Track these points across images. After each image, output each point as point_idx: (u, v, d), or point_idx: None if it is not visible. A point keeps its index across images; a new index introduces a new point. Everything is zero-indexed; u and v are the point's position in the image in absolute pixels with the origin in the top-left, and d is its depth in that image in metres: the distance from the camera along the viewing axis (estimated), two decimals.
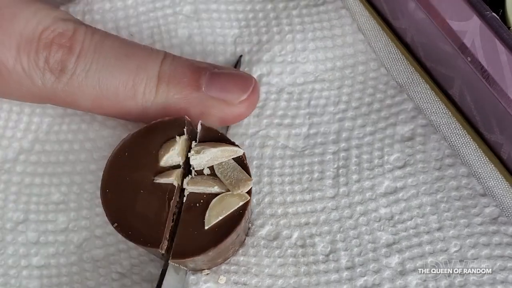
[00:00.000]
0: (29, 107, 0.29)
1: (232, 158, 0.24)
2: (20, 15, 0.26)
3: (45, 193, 0.28)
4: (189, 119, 0.25)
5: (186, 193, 0.24)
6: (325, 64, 0.30)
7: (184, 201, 0.24)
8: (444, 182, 0.27)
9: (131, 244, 0.27)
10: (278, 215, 0.27)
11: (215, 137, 0.25)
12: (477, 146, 0.27)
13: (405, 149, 0.27)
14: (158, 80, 0.26)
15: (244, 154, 0.24)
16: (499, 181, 0.26)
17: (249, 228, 0.27)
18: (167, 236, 0.23)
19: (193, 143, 0.24)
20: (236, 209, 0.23)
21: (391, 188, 0.27)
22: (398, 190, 0.27)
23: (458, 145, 0.27)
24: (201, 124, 0.25)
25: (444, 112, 0.28)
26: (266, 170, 0.28)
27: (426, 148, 0.27)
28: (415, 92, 0.28)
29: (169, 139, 0.24)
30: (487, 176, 0.26)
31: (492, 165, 0.26)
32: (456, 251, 0.25)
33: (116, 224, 0.23)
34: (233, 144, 0.24)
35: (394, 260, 0.26)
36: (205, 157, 0.24)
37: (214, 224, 0.23)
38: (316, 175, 0.28)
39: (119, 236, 0.27)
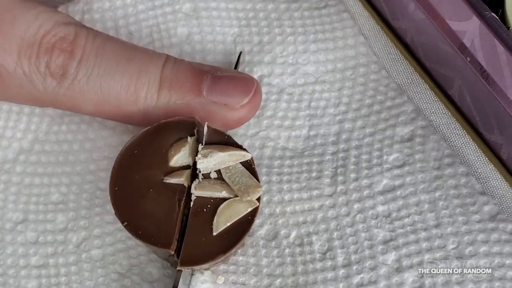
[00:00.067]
0: (29, 107, 0.29)
1: (240, 162, 0.24)
2: (21, 19, 0.25)
3: (44, 193, 0.28)
4: (199, 120, 0.25)
5: (193, 197, 0.24)
6: (326, 65, 0.30)
7: (191, 206, 0.23)
8: (443, 181, 0.27)
9: (130, 244, 0.27)
10: (276, 214, 0.27)
11: (222, 139, 0.24)
12: (476, 146, 0.27)
13: (404, 150, 0.27)
14: (160, 85, 0.26)
15: (252, 158, 0.24)
16: (499, 181, 0.26)
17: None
18: (177, 238, 0.23)
19: (200, 146, 0.24)
20: (244, 215, 0.23)
21: (389, 186, 0.27)
22: (396, 188, 0.27)
23: (458, 145, 0.27)
24: (207, 126, 0.25)
25: (444, 112, 0.28)
26: (265, 170, 0.28)
27: (425, 148, 0.27)
28: (414, 92, 0.28)
29: (179, 139, 0.24)
30: (486, 176, 0.26)
31: (492, 165, 0.26)
32: (453, 248, 0.25)
33: (126, 223, 0.23)
34: (241, 147, 0.24)
35: (391, 257, 0.26)
36: (212, 161, 0.24)
37: (222, 230, 0.23)
38: (314, 174, 0.28)
39: (118, 236, 0.27)
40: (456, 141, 0.27)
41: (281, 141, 0.28)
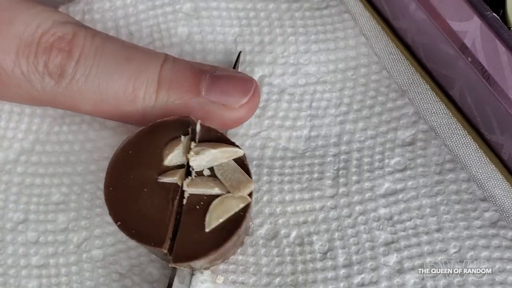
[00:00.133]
0: (30, 108, 0.29)
1: (233, 159, 0.24)
2: (19, 18, 0.25)
3: (45, 194, 0.28)
4: (194, 119, 0.25)
5: (186, 195, 0.24)
6: (327, 66, 0.30)
7: (184, 203, 0.23)
8: (444, 186, 0.27)
9: (131, 244, 0.27)
10: (276, 214, 0.27)
11: (215, 137, 0.24)
12: (477, 147, 0.27)
13: (405, 154, 0.28)
14: (158, 85, 0.26)
15: (244, 155, 0.24)
16: (500, 181, 0.26)
17: (249, 227, 0.27)
18: (170, 236, 0.23)
19: (192, 143, 0.24)
20: (237, 212, 0.23)
21: (391, 189, 0.27)
22: (398, 192, 0.27)
23: (459, 146, 0.27)
24: (200, 124, 0.25)
25: (445, 112, 0.28)
26: (266, 170, 0.28)
27: (426, 153, 0.27)
28: (415, 93, 0.28)
29: (174, 139, 0.24)
30: (487, 177, 0.26)
31: (493, 166, 0.26)
32: (455, 252, 0.25)
33: (119, 223, 0.23)
34: (233, 144, 0.24)
35: (392, 259, 0.26)
36: (205, 158, 0.24)
37: (215, 226, 0.23)
38: (316, 175, 0.28)
39: (119, 236, 0.27)
40: (457, 142, 0.27)
41: (282, 141, 0.28)
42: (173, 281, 0.23)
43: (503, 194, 0.26)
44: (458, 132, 0.27)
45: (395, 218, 0.26)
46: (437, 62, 0.28)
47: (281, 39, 0.30)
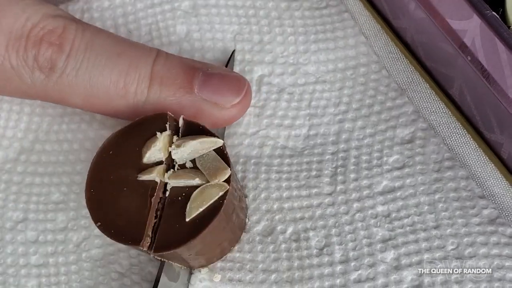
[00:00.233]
0: (29, 107, 0.29)
1: (213, 150, 0.24)
2: (9, 11, 0.25)
3: (45, 193, 0.28)
4: (171, 115, 0.25)
5: (168, 187, 0.24)
6: (327, 65, 0.30)
7: (166, 196, 0.24)
8: (443, 184, 0.27)
9: None
10: (273, 210, 0.27)
11: (197, 130, 0.24)
12: (477, 146, 0.27)
13: (404, 151, 0.27)
14: (150, 81, 0.26)
15: (224, 144, 0.24)
16: (499, 180, 0.26)
17: (245, 224, 0.27)
18: (149, 234, 0.23)
19: (175, 137, 0.24)
20: (216, 200, 0.23)
21: (389, 187, 0.27)
22: (396, 190, 0.27)
23: (458, 145, 0.27)
24: (183, 118, 0.25)
25: (444, 111, 0.28)
26: (264, 168, 0.28)
27: (425, 151, 0.27)
28: (415, 91, 0.28)
29: (153, 136, 0.24)
30: (486, 176, 0.26)
31: (492, 165, 0.26)
32: (453, 249, 0.25)
33: (99, 223, 0.23)
34: (212, 135, 0.24)
35: (390, 255, 0.26)
36: (186, 150, 0.24)
37: (195, 216, 0.23)
38: (314, 173, 0.28)
39: None
40: (456, 140, 0.27)
41: (280, 140, 0.28)
42: (161, 274, 0.23)
43: (502, 193, 0.26)
44: (458, 131, 0.27)
45: (393, 215, 0.26)
46: (437, 61, 0.28)
47: (280, 39, 0.30)
